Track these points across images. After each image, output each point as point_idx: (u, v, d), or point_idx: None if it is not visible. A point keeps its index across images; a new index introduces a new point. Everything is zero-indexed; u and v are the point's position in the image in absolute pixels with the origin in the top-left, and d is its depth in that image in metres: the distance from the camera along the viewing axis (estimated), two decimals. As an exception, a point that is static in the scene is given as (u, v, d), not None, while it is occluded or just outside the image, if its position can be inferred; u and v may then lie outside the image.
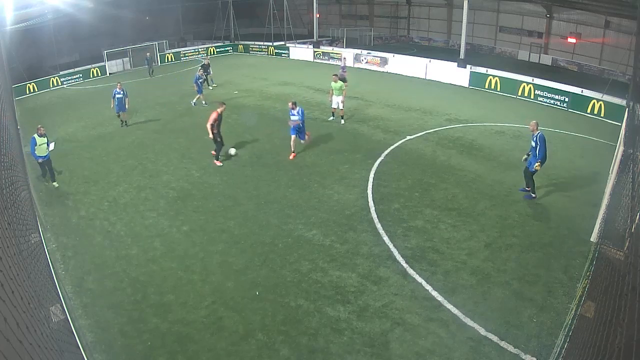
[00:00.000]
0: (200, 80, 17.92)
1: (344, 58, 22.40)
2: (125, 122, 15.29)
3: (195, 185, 10.44)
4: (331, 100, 14.69)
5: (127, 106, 15.05)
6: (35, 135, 10.19)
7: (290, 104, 11.53)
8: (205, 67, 19.91)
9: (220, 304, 6.41)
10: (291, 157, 11.74)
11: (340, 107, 14.46)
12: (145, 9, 32.63)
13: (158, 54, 29.57)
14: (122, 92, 14.80)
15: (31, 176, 9.58)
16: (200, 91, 17.94)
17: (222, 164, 11.46)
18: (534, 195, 9.26)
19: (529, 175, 9.09)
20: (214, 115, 11.12)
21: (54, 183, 10.70)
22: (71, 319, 4.73)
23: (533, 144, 8.91)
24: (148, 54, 27.00)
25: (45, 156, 10.39)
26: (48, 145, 10.45)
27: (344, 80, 17.64)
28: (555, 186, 10.03)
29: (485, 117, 15.44)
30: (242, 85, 21.27)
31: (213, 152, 11.69)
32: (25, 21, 20.94)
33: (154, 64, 26.29)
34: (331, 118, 15.12)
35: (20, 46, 21.60)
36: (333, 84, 14.23)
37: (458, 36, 27.32)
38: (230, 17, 35.12)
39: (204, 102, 17.86)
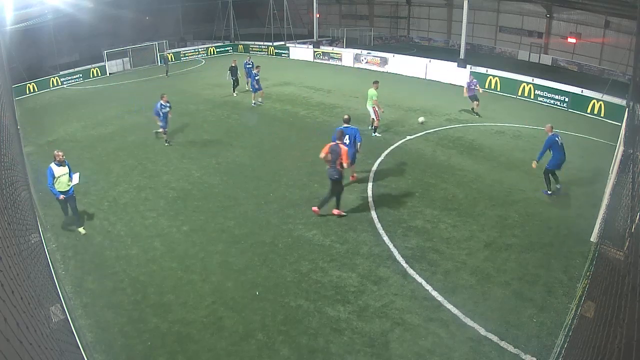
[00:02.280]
0: (257, 78, 17.04)
1: (471, 73, 17.45)
2: (167, 140, 13.30)
3: (195, 185, 10.43)
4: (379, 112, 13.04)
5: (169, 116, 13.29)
6: (52, 165, 7.86)
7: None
8: (234, 70, 18.97)
9: (220, 304, 6.41)
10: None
11: (372, 116, 13.10)
12: (145, 9, 32.69)
13: (158, 54, 29.58)
14: (168, 105, 12.93)
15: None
16: (257, 89, 17.19)
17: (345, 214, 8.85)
18: (549, 192, 9.58)
19: (545, 173, 9.54)
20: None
21: (81, 229, 8.49)
22: (71, 319, 4.73)
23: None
24: (166, 52, 26.86)
25: (67, 192, 8.08)
26: (71, 176, 8.15)
27: (476, 99, 15.18)
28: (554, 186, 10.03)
29: (485, 117, 15.44)
30: (242, 85, 21.24)
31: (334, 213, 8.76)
32: (25, 21, 20.95)
33: (170, 63, 25.72)
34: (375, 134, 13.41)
35: (20, 46, 21.62)
36: (373, 91, 12.68)
37: (458, 36, 27.33)
38: (230, 17, 35.13)
39: (259, 100, 17.61)
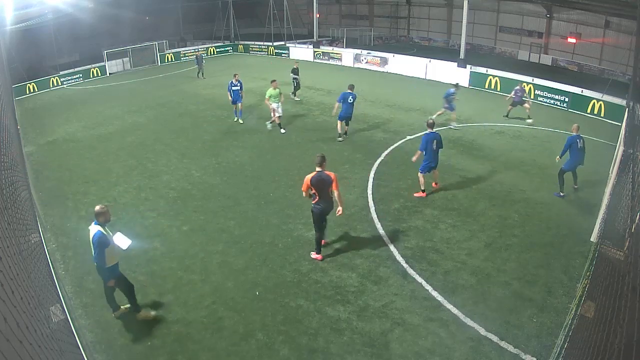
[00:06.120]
0: (451, 96, 13.85)
1: (522, 84, 15.79)
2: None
3: (195, 185, 10.43)
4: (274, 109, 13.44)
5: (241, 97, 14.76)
6: (98, 228, 5.38)
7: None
8: (296, 72, 18.00)
9: (220, 304, 6.41)
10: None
11: (279, 113, 13.56)
12: (145, 9, 32.65)
13: (158, 54, 29.58)
14: (238, 84, 14.62)
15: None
16: (451, 107, 14.01)
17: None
18: (561, 194, 9.55)
19: (560, 173, 9.58)
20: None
21: (145, 313, 6.02)
22: (71, 319, 4.73)
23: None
24: (199, 53, 26.63)
25: (114, 267, 5.62)
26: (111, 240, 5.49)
27: (520, 104, 14.56)
28: (556, 186, 10.02)
29: (485, 117, 15.44)
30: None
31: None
32: (25, 21, 20.93)
33: (204, 63, 24.32)
34: (283, 131, 13.67)
35: (20, 46, 21.62)
36: (271, 90, 13.16)
37: (458, 36, 27.32)
38: (230, 17, 35.13)
39: (454, 125, 14.26)
